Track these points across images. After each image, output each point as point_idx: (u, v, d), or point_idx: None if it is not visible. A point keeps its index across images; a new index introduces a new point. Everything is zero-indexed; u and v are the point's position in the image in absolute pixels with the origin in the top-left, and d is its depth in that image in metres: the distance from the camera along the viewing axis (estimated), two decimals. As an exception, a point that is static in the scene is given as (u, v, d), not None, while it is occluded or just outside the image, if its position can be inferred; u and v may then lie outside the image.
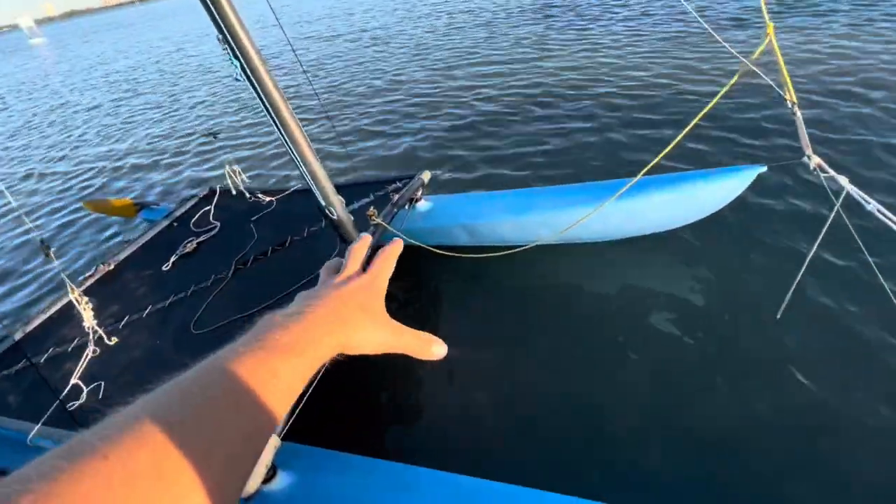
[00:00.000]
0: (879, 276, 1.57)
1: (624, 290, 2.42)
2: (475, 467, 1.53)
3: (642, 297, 2.35)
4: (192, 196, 3.46)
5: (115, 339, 2.16)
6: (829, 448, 1.62)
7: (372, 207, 2.43)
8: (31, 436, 1.79)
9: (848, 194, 1.28)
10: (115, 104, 9.56)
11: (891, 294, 1.53)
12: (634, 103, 4.46)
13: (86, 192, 5.41)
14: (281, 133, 1.84)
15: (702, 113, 1.49)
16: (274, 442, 1.54)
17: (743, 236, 2.59)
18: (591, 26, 7.33)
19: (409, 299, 2.69)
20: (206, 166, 5.37)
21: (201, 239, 2.96)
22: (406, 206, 2.81)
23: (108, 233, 4.28)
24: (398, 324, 0.42)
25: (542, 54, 6.43)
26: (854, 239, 1.50)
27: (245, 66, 1.67)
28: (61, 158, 6.87)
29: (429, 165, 3.67)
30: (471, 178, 3.85)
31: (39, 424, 1.82)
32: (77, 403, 1.89)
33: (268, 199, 3.10)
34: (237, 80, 1.72)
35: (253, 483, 1.48)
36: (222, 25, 1.59)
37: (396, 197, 2.61)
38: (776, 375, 1.86)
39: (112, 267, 2.86)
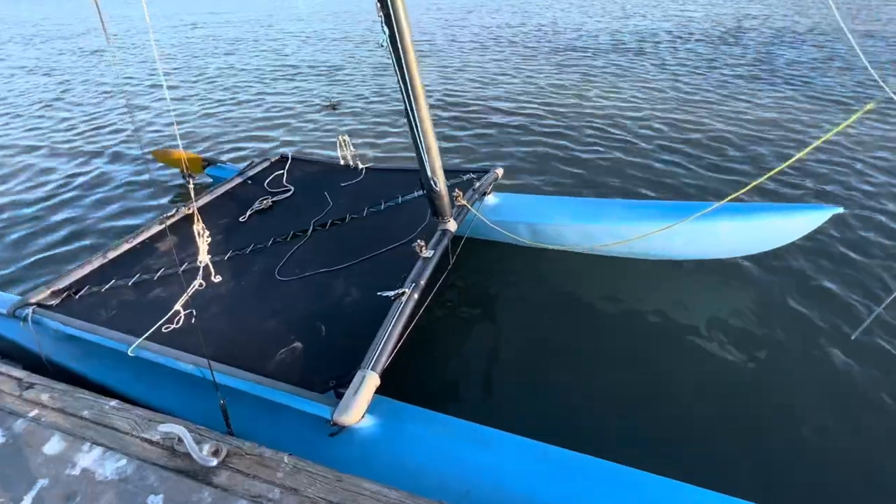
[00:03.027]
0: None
1: (687, 307, 2.54)
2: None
3: (700, 315, 2.47)
4: (265, 159, 3.60)
5: (218, 278, 2.17)
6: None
7: (457, 189, 2.56)
8: (131, 348, 1.88)
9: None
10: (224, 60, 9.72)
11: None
12: (723, 146, 4.41)
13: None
14: (409, 104, 1.98)
15: (815, 144, 1.63)
16: (375, 380, 1.63)
17: (826, 262, 2.76)
18: (694, 69, 7.21)
19: (468, 287, 2.79)
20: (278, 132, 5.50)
21: (277, 199, 3.08)
22: (477, 197, 2.94)
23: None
24: None
25: (629, 91, 6.40)
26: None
27: (394, 36, 1.82)
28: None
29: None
30: (532, 186, 3.98)
31: (141, 339, 1.91)
32: (172, 326, 1.98)
33: (349, 169, 3.24)
34: (381, 45, 1.87)
35: (355, 416, 1.56)
36: (385, -4, 1.74)
37: (477, 184, 2.75)
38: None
39: (191, 211, 2.98)
